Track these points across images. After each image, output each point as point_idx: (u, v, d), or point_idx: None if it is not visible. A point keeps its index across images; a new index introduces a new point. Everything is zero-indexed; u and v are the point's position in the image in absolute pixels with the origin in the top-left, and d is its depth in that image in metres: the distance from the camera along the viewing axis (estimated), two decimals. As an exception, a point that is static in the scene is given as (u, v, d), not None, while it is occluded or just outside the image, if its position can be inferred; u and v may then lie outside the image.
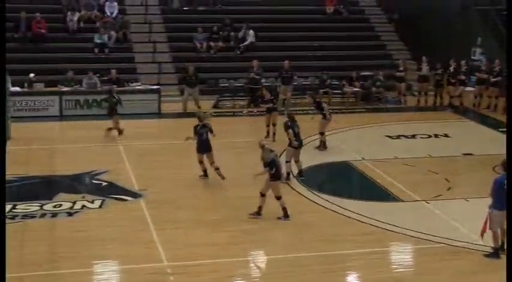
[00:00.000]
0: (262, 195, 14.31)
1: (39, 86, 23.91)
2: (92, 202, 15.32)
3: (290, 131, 16.89)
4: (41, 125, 21.57)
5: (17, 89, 23.30)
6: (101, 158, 18.68)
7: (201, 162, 16.77)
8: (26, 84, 23.93)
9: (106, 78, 24.84)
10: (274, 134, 20.10)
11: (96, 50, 27.19)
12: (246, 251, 13.08)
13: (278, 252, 13.01)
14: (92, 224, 14.16)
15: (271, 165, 14.21)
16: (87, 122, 22.58)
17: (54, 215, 14.65)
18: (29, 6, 28.13)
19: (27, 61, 25.97)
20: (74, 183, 16.61)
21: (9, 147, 18.39)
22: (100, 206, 15.13)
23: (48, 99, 23.73)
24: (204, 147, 16.57)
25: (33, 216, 14.50)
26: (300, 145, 17.13)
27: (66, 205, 15.08)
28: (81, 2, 28.92)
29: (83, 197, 15.56)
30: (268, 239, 13.57)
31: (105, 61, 26.80)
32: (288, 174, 16.79)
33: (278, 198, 14.35)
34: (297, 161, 17.12)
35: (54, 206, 15.04)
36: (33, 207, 14.95)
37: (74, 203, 15.21)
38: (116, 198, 15.59)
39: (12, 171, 16.56)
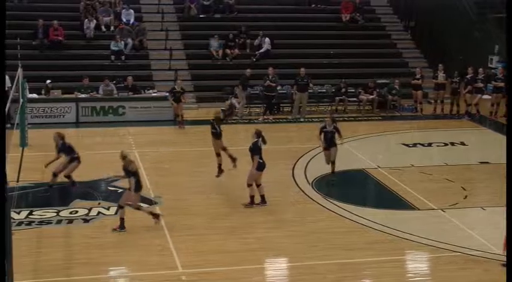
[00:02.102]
0: (121, 207, 14.25)
1: (56, 93, 24.06)
2: (108, 209, 15.38)
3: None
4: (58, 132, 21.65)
5: (34, 95, 23.46)
6: (117, 164, 18.67)
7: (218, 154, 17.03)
8: (43, 91, 24.09)
9: (122, 85, 24.96)
10: None
11: (112, 57, 27.33)
12: (260, 258, 13.06)
13: (292, 260, 12.98)
14: (108, 231, 14.19)
15: (136, 175, 14.14)
16: (103, 129, 22.69)
17: (70, 221, 14.72)
18: (46, 13, 28.32)
19: (45, 68, 26.15)
20: (90, 190, 16.67)
21: (26, 153, 18.52)
22: (116, 213, 15.15)
23: (64, 105, 23.87)
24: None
25: (49, 223, 14.57)
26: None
27: (82, 212, 15.15)
28: (98, 10, 29.08)
29: (99, 204, 15.62)
30: (282, 247, 13.54)
31: (121, 68, 26.94)
32: None
33: (136, 208, 14.35)
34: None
35: (71, 213, 15.11)
36: (49, 213, 15.02)
37: (90, 209, 15.28)
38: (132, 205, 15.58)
39: (29, 177, 16.66)
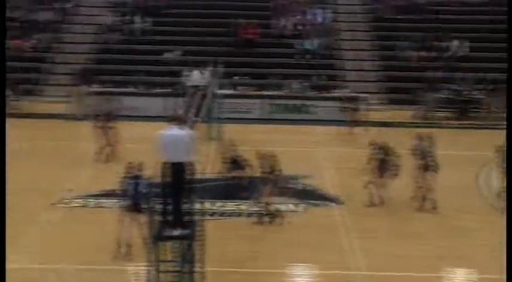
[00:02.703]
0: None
1: (246, 89, 24.69)
2: (295, 205, 15.53)
3: None
4: (246, 127, 22.20)
5: (227, 91, 24.21)
6: (304, 162, 18.91)
7: None
8: (233, 87, 24.81)
9: (310, 84, 25.15)
10: None
11: (301, 56, 27.59)
12: (444, 266, 12.57)
13: (481, 271, 12.38)
14: (292, 227, 14.34)
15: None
16: (290, 126, 22.97)
17: (250, 214, 14.99)
18: (240, 12, 29.15)
19: (236, 65, 26.90)
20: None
21: (215, 146, 19.14)
22: (301, 210, 15.30)
23: (253, 102, 24.44)
24: None
25: (237, 214, 14.96)
26: None
27: (271, 207, 15.35)
28: (290, 9, 29.50)
29: (285, 200, 15.79)
30: (468, 256, 12.98)
31: (310, 67, 27.14)
32: None
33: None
34: None
35: (266, 207, 15.38)
36: (237, 205, 15.42)
37: (279, 205, 15.46)
38: (317, 204, 15.69)
39: (217, 170, 17.22)
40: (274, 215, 14.58)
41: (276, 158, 14.63)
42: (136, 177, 12.82)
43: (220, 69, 21.37)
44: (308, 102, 24.12)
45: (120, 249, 12.60)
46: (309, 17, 29.32)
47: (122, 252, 12.58)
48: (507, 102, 18.95)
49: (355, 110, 22.79)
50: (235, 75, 25.66)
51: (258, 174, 15.17)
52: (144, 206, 12.73)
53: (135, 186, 12.69)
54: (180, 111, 20.38)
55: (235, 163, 16.22)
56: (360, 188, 16.49)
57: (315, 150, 20.20)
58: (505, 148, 12.32)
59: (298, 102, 24.44)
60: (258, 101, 24.61)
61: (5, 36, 20.78)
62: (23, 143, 20.25)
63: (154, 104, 23.86)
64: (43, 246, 13.25)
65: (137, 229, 12.69)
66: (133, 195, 12.67)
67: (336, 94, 24.74)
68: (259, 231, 14.14)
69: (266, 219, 14.51)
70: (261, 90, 25.13)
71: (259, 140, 21.16)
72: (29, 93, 25.89)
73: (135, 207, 12.65)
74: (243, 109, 24.38)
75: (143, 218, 12.62)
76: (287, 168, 17.99)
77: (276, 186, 14.47)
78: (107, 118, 18.97)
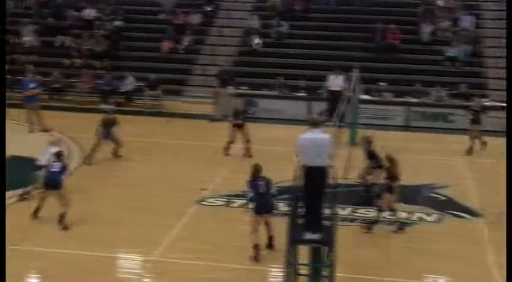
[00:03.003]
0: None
1: (387, 96, 24.49)
2: (429, 215, 15.29)
3: None
4: (386, 134, 21.98)
5: (367, 97, 24.11)
6: (442, 172, 18.53)
7: None
8: (375, 93, 24.68)
9: (454, 92, 24.56)
10: None
11: (446, 63, 26.99)
12: None
13: None
14: (426, 237, 14.13)
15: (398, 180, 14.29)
16: (431, 135, 22.55)
17: (390, 223, 14.89)
18: (385, 17, 28.91)
19: (379, 70, 26.70)
20: (413, 194, 16.69)
21: (354, 152, 19.09)
22: (437, 221, 15.05)
23: (395, 109, 24.20)
24: None
25: (364, 221, 14.91)
26: None
27: (403, 215, 15.24)
28: (436, 15, 28.93)
29: (420, 209, 15.57)
30: None
31: (454, 75, 26.51)
32: None
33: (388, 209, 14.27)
34: None
35: (391, 215, 15.25)
36: (371, 212, 15.37)
37: (411, 213, 15.31)
38: (454, 215, 15.36)
39: (355, 175, 17.18)
40: (400, 223, 14.43)
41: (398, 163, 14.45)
42: (262, 179, 13.09)
43: (360, 74, 21.28)
44: (448, 111, 23.55)
45: (256, 250, 12.88)
46: (454, 23, 28.60)
47: (257, 253, 12.85)
48: (507, 100, 18.22)
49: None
50: (377, 80, 25.47)
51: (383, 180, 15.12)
52: (272, 207, 13.07)
53: (261, 188, 12.96)
54: (320, 115, 20.54)
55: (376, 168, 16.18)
56: (498, 201, 15.97)
57: (452, 159, 19.72)
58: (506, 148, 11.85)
59: (438, 110, 23.93)
60: (399, 107, 24.32)
61: (5, 36, 21.51)
62: (167, 141, 21.07)
63: (295, 107, 24.13)
64: (183, 241, 13.76)
65: (267, 230, 13.01)
66: (260, 197, 12.91)
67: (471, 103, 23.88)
68: (393, 240, 14.01)
69: (393, 226, 14.39)
70: (403, 97, 24.80)
71: (397, 147, 20.88)
72: (175, 93, 26.88)
73: (262, 209, 12.90)
74: (384, 115, 24.17)
75: (272, 219, 12.99)
76: (423, 177, 17.77)
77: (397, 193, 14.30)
78: (242, 119, 19.48)
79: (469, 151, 20.24)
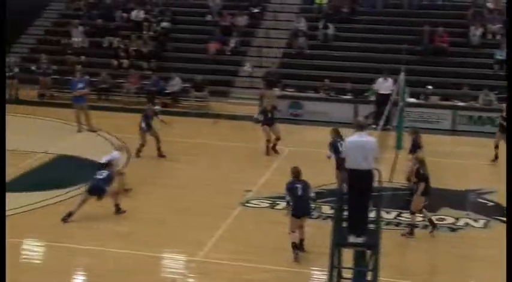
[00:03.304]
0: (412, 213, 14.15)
1: (434, 99, 24.22)
2: (476, 221, 15.09)
3: None
4: (432, 138, 21.74)
5: (413, 100, 23.87)
6: (490, 176, 18.26)
7: None
8: (422, 96, 24.44)
9: (503, 96, 24.15)
10: None
11: (496, 67, 26.58)
12: None
13: None
14: (473, 243, 13.96)
15: (426, 180, 14.07)
16: (479, 139, 22.22)
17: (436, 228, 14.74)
18: (433, 20, 28.60)
19: (426, 74, 26.41)
20: (460, 199, 16.49)
21: (400, 155, 18.94)
22: (484, 226, 14.83)
23: (442, 112, 23.93)
24: None
25: (416, 226, 14.76)
26: None
27: (450, 220, 15.08)
28: (486, 17, 28.51)
29: (467, 215, 15.38)
30: None
31: (503, 78, 26.06)
32: None
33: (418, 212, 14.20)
34: None
35: (438, 219, 15.12)
36: (416, 217, 15.19)
37: (458, 219, 15.14)
38: (502, 221, 15.09)
39: (401, 179, 17.05)
40: (434, 225, 14.36)
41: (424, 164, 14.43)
42: (301, 182, 13.16)
43: (407, 77, 21.08)
44: (496, 115, 23.19)
45: (295, 249, 12.90)
46: (504, 25, 28.14)
47: (298, 255, 12.85)
48: (507, 102, 17.79)
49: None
50: (425, 84, 25.20)
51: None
52: (308, 211, 13.09)
53: (299, 191, 13.01)
54: (366, 118, 20.43)
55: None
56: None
57: (500, 164, 19.39)
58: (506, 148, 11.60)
59: (486, 114, 23.59)
60: (446, 111, 24.02)
61: (5, 36, 21.57)
62: (213, 142, 21.18)
63: (341, 110, 24.02)
64: (227, 242, 13.82)
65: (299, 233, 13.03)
66: (297, 200, 13.00)
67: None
68: (440, 245, 13.86)
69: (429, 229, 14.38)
70: (450, 100, 24.51)
71: (443, 152, 20.70)
72: (221, 94, 27.01)
73: (299, 212, 12.99)
74: (431, 119, 23.89)
75: (311, 222, 13.05)
76: (470, 182, 17.54)
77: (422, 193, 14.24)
78: (271, 118, 20.08)
79: None
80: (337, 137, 16.06)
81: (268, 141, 19.92)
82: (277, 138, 20.04)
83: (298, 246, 12.97)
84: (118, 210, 15.07)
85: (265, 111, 20.31)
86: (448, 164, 19.27)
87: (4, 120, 13.70)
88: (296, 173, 13.29)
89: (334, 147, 15.73)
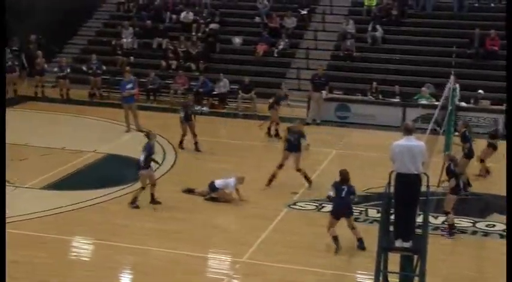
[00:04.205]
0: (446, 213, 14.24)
1: (485, 103, 23.84)
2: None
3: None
4: (483, 142, 21.43)
5: (463, 104, 23.53)
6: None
7: None
8: (472, 100, 24.08)
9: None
10: None
11: (549, 71, 26.04)
12: None
13: None
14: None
15: (457, 178, 14.21)
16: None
17: (485, 234, 14.53)
18: (484, 23, 28.17)
19: (477, 77, 26.01)
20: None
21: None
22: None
23: (493, 117, 23.54)
24: None
25: (464, 232, 14.56)
26: None
27: (500, 226, 14.81)
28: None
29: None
30: None
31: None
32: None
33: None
34: None
35: (487, 225, 14.89)
36: (465, 222, 15.01)
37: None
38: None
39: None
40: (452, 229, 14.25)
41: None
42: (347, 184, 13.43)
43: (458, 81, 20.79)
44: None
45: (336, 242, 13.24)
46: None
47: (337, 244, 13.27)
48: (507, 100, 17.30)
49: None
50: (476, 88, 24.81)
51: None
52: (348, 212, 13.44)
53: (343, 192, 13.40)
54: (411, 122, 20.18)
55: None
56: None
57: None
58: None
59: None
60: (497, 115, 23.62)
61: (5, 37, 21.54)
62: (259, 144, 21.21)
63: (389, 113, 23.82)
64: (272, 244, 13.82)
65: (353, 233, 13.06)
66: (339, 200, 13.39)
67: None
68: (488, 252, 13.63)
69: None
70: (501, 105, 24.09)
71: (494, 156, 20.32)
72: (268, 96, 27.02)
73: (338, 211, 13.38)
74: (482, 123, 23.50)
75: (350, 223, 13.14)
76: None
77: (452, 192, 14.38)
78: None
79: None
80: None
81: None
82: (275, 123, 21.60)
83: (338, 238, 13.27)
84: (153, 199, 15.63)
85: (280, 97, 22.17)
86: (499, 168, 18.95)
87: (4, 120, 13.91)
88: (344, 175, 13.45)
89: None
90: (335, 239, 13.26)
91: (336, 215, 13.36)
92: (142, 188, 15.47)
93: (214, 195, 16.01)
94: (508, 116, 16.93)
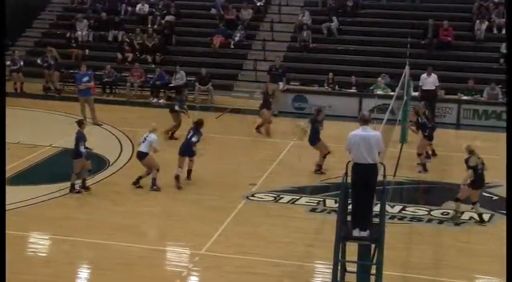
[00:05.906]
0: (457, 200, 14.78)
1: (439, 93, 24.17)
2: (480, 215, 15.05)
3: None
4: (437, 131, 21.75)
5: (417, 93, 23.80)
6: (495, 171, 18.13)
7: None
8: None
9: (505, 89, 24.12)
10: None
11: (501, 60, 26.51)
12: None
13: None
14: (477, 237, 13.95)
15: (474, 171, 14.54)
16: (484, 133, 22.21)
17: (440, 222, 14.78)
18: (437, 13, 28.55)
19: (432, 68, 26.34)
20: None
21: (404, 150, 18.94)
22: (488, 220, 14.82)
23: (446, 106, 23.91)
24: None
25: (420, 220, 14.79)
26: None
27: (453, 213, 15.05)
28: (492, 11, 28.43)
29: (472, 209, 15.36)
30: None
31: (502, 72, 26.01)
32: None
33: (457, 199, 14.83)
34: None
35: (442, 213, 15.15)
36: (421, 211, 15.25)
37: (462, 213, 15.11)
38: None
39: (404, 173, 17.04)
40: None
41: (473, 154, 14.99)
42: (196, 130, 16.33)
43: (411, 71, 21.00)
44: (502, 109, 23.13)
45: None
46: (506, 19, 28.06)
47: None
48: (507, 102, 17.83)
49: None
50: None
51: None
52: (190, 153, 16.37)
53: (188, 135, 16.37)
54: (368, 112, 20.37)
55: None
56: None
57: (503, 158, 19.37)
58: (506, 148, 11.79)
59: (491, 108, 23.58)
60: (451, 105, 24.00)
61: (5, 37, 21.49)
62: (217, 136, 21.21)
63: (346, 104, 24.03)
64: (231, 236, 13.86)
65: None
66: (185, 142, 16.29)
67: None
68: (444, 239, 13.87)
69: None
70: (455, 95, 24.47)
71: (449, 145, 20.70)
72: (225, 88, 27.03)
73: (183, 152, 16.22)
74: (436, 113, 23.80)
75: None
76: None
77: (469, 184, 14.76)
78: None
79: None
80: None
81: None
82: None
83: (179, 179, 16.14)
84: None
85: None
86: (452, 157, 19.26)
87: (4, 120, 13.70)
88: (197, 123, 16.79)
89: None
90: (177, 178, 16.14)
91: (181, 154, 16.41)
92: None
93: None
94: (508, 113, 17.15)
